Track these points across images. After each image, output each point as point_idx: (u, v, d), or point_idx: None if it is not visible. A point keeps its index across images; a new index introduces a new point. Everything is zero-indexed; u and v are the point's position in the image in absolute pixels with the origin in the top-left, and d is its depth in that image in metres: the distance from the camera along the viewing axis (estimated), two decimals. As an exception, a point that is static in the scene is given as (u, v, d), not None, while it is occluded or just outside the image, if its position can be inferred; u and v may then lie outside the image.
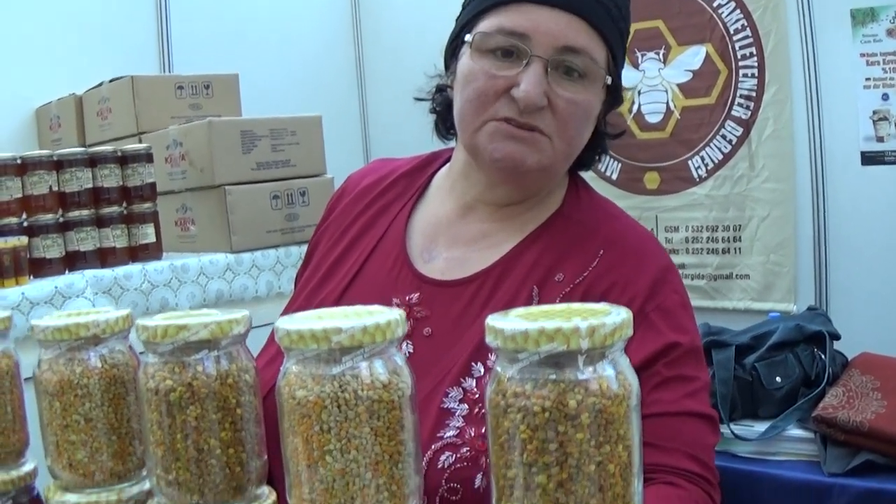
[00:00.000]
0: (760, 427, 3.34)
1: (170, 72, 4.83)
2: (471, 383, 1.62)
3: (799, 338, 3.52)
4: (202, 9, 5.11)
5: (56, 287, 3.10)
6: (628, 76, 4.63)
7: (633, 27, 4.29)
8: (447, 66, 1.86)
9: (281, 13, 5.53)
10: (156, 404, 0.95)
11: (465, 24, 1.77)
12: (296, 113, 3.97)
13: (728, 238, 4.57)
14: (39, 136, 4.51)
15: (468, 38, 1.73)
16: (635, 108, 4.74)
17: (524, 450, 0.76)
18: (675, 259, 4.37)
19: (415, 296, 1.75)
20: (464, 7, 1.81)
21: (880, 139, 4.19)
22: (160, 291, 3.37)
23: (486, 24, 1.70)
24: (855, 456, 3.12)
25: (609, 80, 1.73)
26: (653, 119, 4.71)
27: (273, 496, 1.00)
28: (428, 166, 1.97)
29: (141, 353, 1.04)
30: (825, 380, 3.42)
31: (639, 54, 4.72)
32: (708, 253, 4.61)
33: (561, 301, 1.66)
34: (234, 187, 3.60)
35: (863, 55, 4.20)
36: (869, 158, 4.22)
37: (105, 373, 1.05)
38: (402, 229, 1.85)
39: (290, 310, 1.88)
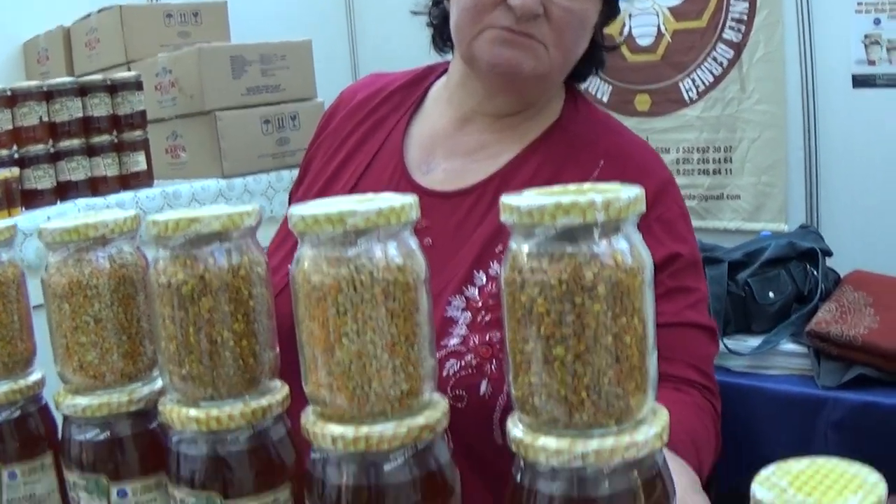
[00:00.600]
0: (754, 342, 3.36)
1: (157, 0, 4.80)
2: (473, 292, 1.62)
3: (791, 254, 3.53)
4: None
5: (49, 218, 3.08)
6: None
7: (624, -50, 4.33)
8: None
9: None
10: (168, 299, 0.94)
11: None
12: (284, 38, 3.95)
13: (719, 159, 4.57)
14: (27, 70, 4.50)
15: None
16: (626, 30, 4.72)
17: (541, 323, 0.76)
18: (668, 181, 4.40)
19: None
20: None
21: (871, 63, 4.18)
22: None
23: None
24: (848, 370, 3.14)
25: None
26: (644, 42, 4.70)
27: (286, 389, 1.01)
28: (424, 79, 1.96)
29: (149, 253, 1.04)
30: (818, 295, 3.43)
31: (629, -23, 4.70)
32: (699, 174, 4.61)
33: None
34: (224, 112, 3.60)
35: (854, -22, 4.19)
36: (860, 81, 4.22)
37: (114, 273, 1.05)
38: (399, 142, 1.84)
39: (284, 228, 1.88)
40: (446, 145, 1.81)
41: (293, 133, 3.78)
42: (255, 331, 0.97)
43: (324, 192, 1.84)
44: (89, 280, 1.04)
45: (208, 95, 3.57)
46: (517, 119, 1.80)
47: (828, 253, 3.62)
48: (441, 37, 1.89)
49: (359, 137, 1.89)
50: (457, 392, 1.53)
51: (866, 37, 4.14)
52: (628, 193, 0.78)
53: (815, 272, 3.49)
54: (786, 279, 3.46)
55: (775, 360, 3.33)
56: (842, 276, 3.69)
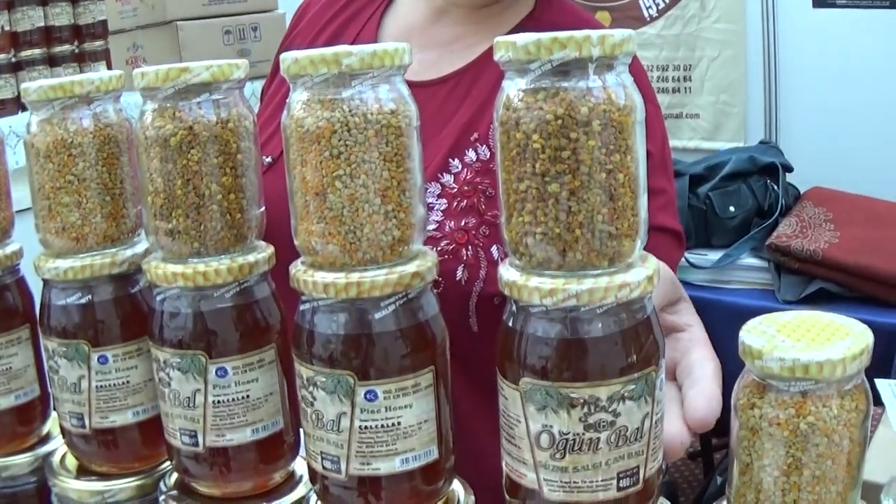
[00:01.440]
0: (714, 255, 3.40)
1: None
2: (448, 179, 1.63)
3: (752, 169, 3.55)
4: None
5: (10, 127, 3.07)
6: (579, -83, 4.64)
7: None
8: None
9: None
10: (156, 151, 0.94)
11: None
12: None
13: (678, 77, 4.59)
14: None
15: None
16: (586, -53, 4.73)
17: (537, 159, 0.77)
18: (626, 97, 4.41)
19: None
20: None
21: (832, -19, 4.20)
22: (114, 129, 3.35)
23: None
24: (808, 284, 3.18)
25: None
26: (604, -41, 4.71)
27: (271, 248, 1.01)
28: None
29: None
30: (778, 210, 3.46)
31: None
32: (658, 92, 4.60)
33: None
34: (185, 23, 3.57)
35: None
36: (820, 1, 4.23)
37: (98, 132, 1.04)
38: (373, 35, 1.83)
39: (259, 119, 1.88)
40: (421, 37, 1.81)
41: (254, 44, 3.76)
42: (243, 185, 0.97)
43: None
44: (73, 138, 1.04)
45: (169, 5, 3.54)
46: (491, 11, 1.79)
47: (788, 168, 3.65)
48: None
49: (332, 32, 1.88)
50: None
51: (826, -45, 4.16)
52: (622, 34, 0.78)
53: (776, 187, 3.52)
54: (746, 193, 3.49)
55: (736, 274, 3.37)
56: (802, 192, 3.72)
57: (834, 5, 4.21)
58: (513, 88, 0.80)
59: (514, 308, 0.83)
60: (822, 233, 3.27)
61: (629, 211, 0.80)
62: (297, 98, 0.87)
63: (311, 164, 0.85)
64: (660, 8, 4.57)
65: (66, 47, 3.38)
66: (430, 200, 1.61)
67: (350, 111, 0.83)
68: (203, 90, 0.94)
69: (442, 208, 1.60)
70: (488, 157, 1.61)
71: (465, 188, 1.61)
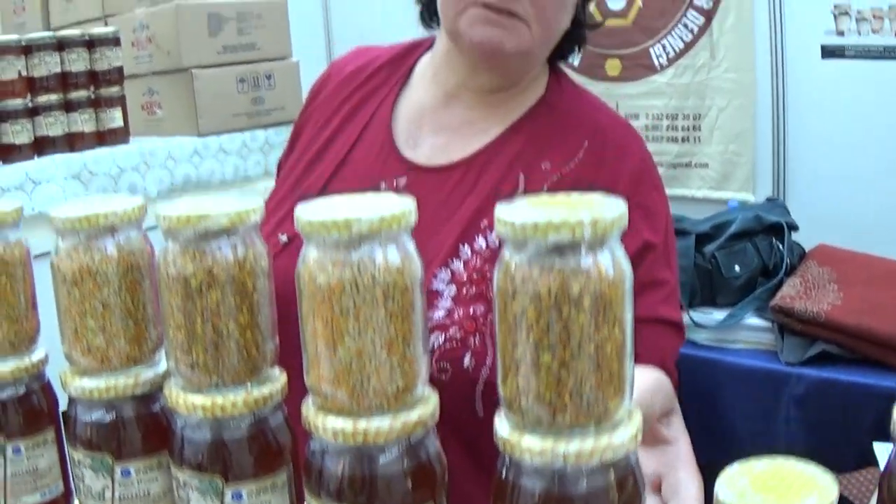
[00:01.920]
0: (719, 315, 3.44)
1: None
2: (458, 265, 1.68)
3: (758, 228, 3.59)
4: None
5: (27, 173, 3.12)
6: (591, -36, 4.68)
7: (598, -87, 4.34)
8: None
9: None
10: (177, 290, 0.99)
11: None
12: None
13: (688, 126, 4.62)
14: (2, 20, 4.50)
15: None
16: (597, -6, 4.76)
17: (531, 330, 0.82)
18: (635, 147, 4.44)
19: (402, 180, 1.79)
20: None
21: (840, 33, 4.22)
22: (129, 176, 3.40)
23: None
24: (811, 346, 3.22)
25: None
26: (615, 6, 4.73)
27: (284, 377, 1.06)
28: (410, 54, 2.00)
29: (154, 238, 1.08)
30: (783, 270, 3.50)
31: (601, -60, 4.73)
32: (668, 141, 4.66)
33: (549, 189, 1.72)
34: (200, 70, 3.62)
35: (825, -54, 4.23)
36: (829, 52, 4.26)
37: (122, 260, 1.09)
38: (387, 116, 1.88)
39: (275, 196, 1.92)
40: (433, 120, 1.86)
41: (268, 92, 3.81)
42: (258, 322, 1.02)
43: (315, 162, 1.89)
44: (98, 267, 1.08)
45: (185, 52, 3.59)
46: (502, 96, 1.84)
47: (793, 227, 3.68)
48: (428, 11, 1.93)
49: (348, 111, 1.93)
50: (441, 364, 1.59)
51: (836, 7, 4.19)
52: (613, 212, 0.83)
53: (781, 246, 3.55)
54: (752, 253, 3.52)
55: (740, 334, 3.41)
56: (807, 249, 3.75)
57: (843, 56, 4.25)
58: (511, 260, 0.85)
59: (507, 461, 0.89)
60: (825, 293, 3.30)
61: (615, 377, 0.85)
62: (310, 254, 0.92)
63: (321, 317, 0.90)
64: (670, 57, 4.61)
65: (83, 93, 3.42)
66: (439, 287, 1.66)
67: (359, 271, 0.89)
68: (222, 233, 0.99)
69: (451, 295, 1.65)
70: (497, 244, 1.66)
71: (475, 275, 1.66)
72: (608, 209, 0.84)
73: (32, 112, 3.31)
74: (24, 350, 1.24)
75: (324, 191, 1.83)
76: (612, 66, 4.77)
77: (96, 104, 3.47)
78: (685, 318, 3.36)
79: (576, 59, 4.76)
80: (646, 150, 1.84)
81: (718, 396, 3.31)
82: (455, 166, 1.78)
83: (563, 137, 1.78)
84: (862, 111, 4.21)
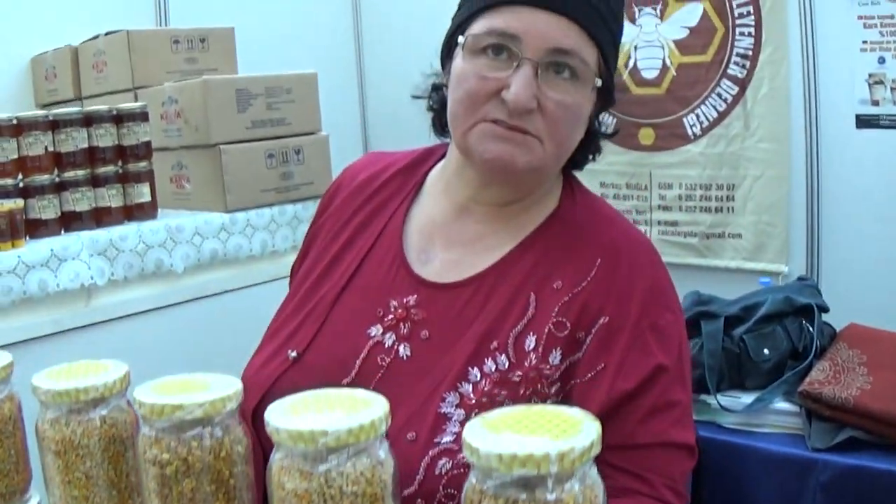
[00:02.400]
0: (747, 399, 3.39)
1: (166, 25, 4.82)
2: (467, 388, 1.66)
3: (788, 310, 3.54)
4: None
5: (52, 250, 3.12)
6: (625, 31, 4.67)
7: (632, -20, 4.33)
8: (443, 66, 1.88)
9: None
10: (153, 474, 0.98)
11: (459, 25, 1.78)
12: (291, 67, 3.97)
13: (721, 197, 4.59)
14: (35, 86, 4.51)
15: (461, 39, 1.75)
16: (631, 63, 4.74)
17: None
18: (669, 216, 4.45)
19: (412, 298, 1.78)
20: (459, 8, 1.83)
21: (875, 103, 4.20)
22: (155, 252, 3.39)
23: (478, 26, 1.72)
24: (839, 432, 3.16)
25: (599, 82, 1.75)
26: (649, 75, 4.72)
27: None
28: (423, 163, 1.99)
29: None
30: (812, 352, 3.44)
31: (636, 9, 4.71)
32: (701, 211, 4.63)
33: (559, 310, 1.70)
34: (228, 146, 3.61)
35: (860, 17, 4.20)
36: (864, 122, 4.23)
37: (105, 433, 1.08)
38: (398, 229, 1.87)
39: (287, 306, 1.92)
40: (444, 234, 1.85)
41: (297, 167, 3.80)
42: (236, 508, 1.00)
43: (326, 275, 1.88)
44: (81, 440, 1.07)
45: (213, 128, 3.58)
46: (514, 209, 1.83)
47: (824, 309, 3.63)
48: (440, 122, 1.92)
49: (360, 221, 1.92)
50: (448, 490, 1.56)
51: (870, 76, 4.16)
52: (583, 441, 0.81)
53: (811, 328, 3.51)
54: (781, 335, 3.48)
55: (767, 418, 3.35)
56: (839, 326, 3.70)
57: (878, 126, 4.21)
58: (477, 486, 0.83)
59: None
60: (854, 377, 3.25)
61: None
62: (278, 460, 0.90)
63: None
64: (703, 126, 4.59)
65: (110, 168, 3.41)
66: (448, 410, 1.64)
67: (326, 482, 0.87)
68: (197, 423, 0.98)
69: (460, 419, 1.64)
70: (507, 366, 1.65)
71: (483, 399, 1.64)
72: (580, 437, 0.81)
73: (59, 187, 3.31)
74: (16, 501, 1.23)
75: (335, 304, 1.82)
76: (646, 135, 4.75)
77: (124, 179, 3.46)
78: (712, 402, 3.33)
79: (609, 128, 4.75)
80: (660, 265, 1.82)
81: (744, 481, 3.27)
82: (466, 283, 1.77)
83: (576, 254, 1.76)
84: (897, 182, 4.18)
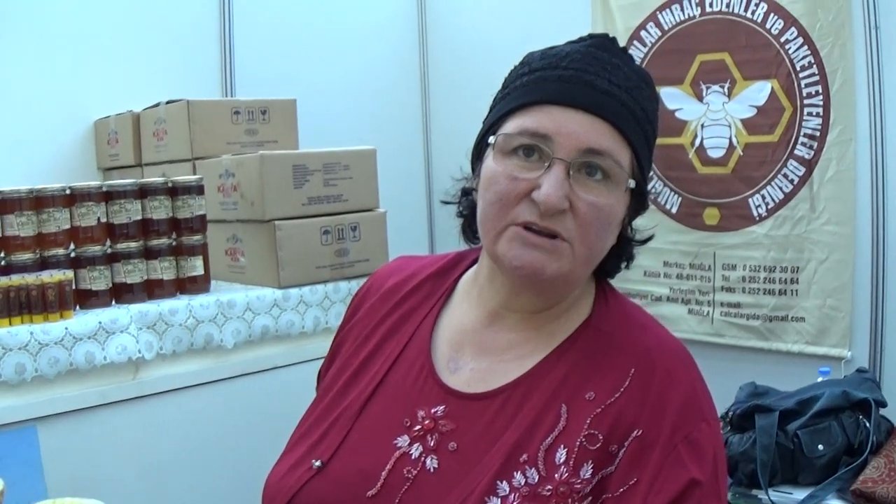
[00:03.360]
0: (799, 495, 3.34)
1: (231, 95, 4.84)
2: (496, 503, 1.62)
3: (845, 404, 3.50)
4: (266, 34, 5.16)
5: (100, 322, 3.11)
6: (692, 109, 4.64)
7: (700, 58, 4.35)
8: (473, 169, 1.85)
9: (348, 43, 5.58)
10: None
11: (490, 126, 1.76)
12: (355, 142, 3.97)
13: (785, 279, 4.53)
14: (97, 149, 4.54)
15: (492, 140, 1.72)
16: (698, 141, 4.71)
17: None
18: (732, 298, 4.39)
19: (440, 409, 1.74)
20: (490, 109, 1.81)
21: (944, 186, 4.14)
22: (205, 327, 3.38)
23: (509, 126, 1.70)
24: (893, 532, 3.10)
25: (633, 183, 1.72)
26: (715, 154, 4.68)
27: None
28: (454, 268, 1.96)
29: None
30: (868, 449, 3.39)
31: (703, 87, 4.68)
32: (764, 294, 4.57)
33: (592, 422, 1.65)
34: (284, 222, 3.60)
35: (930, 98, 4.15)
36: (933, 204, 4.18)
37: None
38: (427, 336, 1.84)
39: (313, 412, 1.89)
40: (474, 342, 1.81)
41: (353, 244, 3.78)
42: None
43: (353, 382, 1.86)
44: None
45: (269, 205, 3.57)
46: (546, 317, 1.79)
47: (882, 404, 3.59)
48: (471, 228, 1.89)
49: (389, 327, 1.90)
50: None
51: (939, 158, 4.10)
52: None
53: (868, 424, 3.45)
54: (836, 431, 3.43)
55: (820, 515, 3.29)
56: (896, 423, 3.65)
57: (948, 209, 4.15)
58: None
59: None
60: (909, 475, 3.21)
61: None
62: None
63: None
64: (769, 207, 4.53)
65: (163, 240, 3.40)
66: (475, 526, 1.60)
67: None
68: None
69: None
70: (536, 480, 1.62)
71: None
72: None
73: (111, 258, 3.31)
74: None
75: (361, 413, 1.79)
76: (711, 215, 4.71)
77: (177, 252, 3.46)
78: (764, 498, 3.27)
79: (674, 207, 4.73)
80: (696, 374, 1.77)
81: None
82: (496, 393, 1.73)
83: (609, 363, 1.72)
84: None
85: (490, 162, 1.72)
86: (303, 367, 3.53)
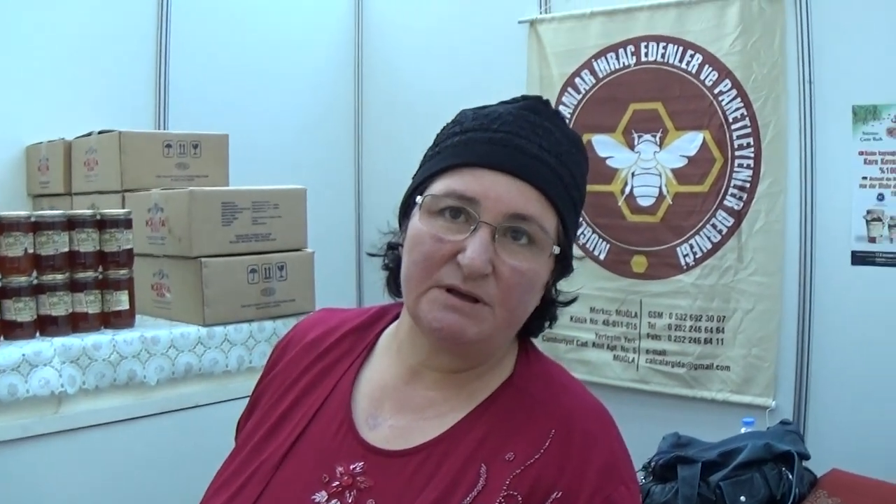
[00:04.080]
0: (721, 547, 3.33)
1: (165, 128, 4.82)
2: None
3: (767, 456, 3.52)
4: (203, 69, 5.20)
5: (24, 354, 3.07)
6: (623, 157, 4.68)
7: (633, 107, 4.38)
8: (400, 224, 1.84)
9: (284, 82, 5.64)
10: None
11: (419, 185, 1.75)
12: (286, 181, 3.95)
13: (711, 328, 4.56)
14: (28, 175, 4.51)
15: (419, 199, 1.71)
16: (628, 189, 4.74)
17: None
18: (657, 345, 4.41)
19: (359, 465, 1.72)
20: (420, 165, 1.80)
21: (872, 240, 4.18)
22: (128, 363, 3.34)
23: (437, 187, 1.69)
24: (814, 583, 3.12)
25: (557, 249, 1.71)
26: (644, 202, 4.71)
27: None
28: (376, 323, 1.95)
29: None
30: (791, 501, 3.41)
31: (635, 135, 4.72)
32: (690, 342, 4.61)
33: (511, 483, 1.64)
34: (211, 260, 3.57)
35: (861, 153, 4.20)
36: (860, 258, 4.22)
37: None
38: (347, 391, 1.82)
39: (231, 463, 1.86)
40: (394, 399, 1.80)
41: (279, 284, 3.75)
42: None
43: (272, 435, 1.83)
44: None
45: (196, 241, 3.54)
46: (467, 376, 1.78)
47: (805, 456, 3.60)
48: (395, 281, 1.88)
49: (309, 380, 1.88)
50: None
51: (868, 212, 4.16)
52: None
53: (791, 475, 3.46)
54: (759, 482, 3.45)
55: (742, 568, 3.30)
56: (824, 468, 3.69)
57: (874, 263, 4.19)
58: None
59: None
60: (832, 527, 3.23)
61: None
62: None
63: None
64: (697, 256, 4.58)
65: (90, 273, 3.36)
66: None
67: None
68: None
69: None
70: None
71: None
72: None
73: (37, 290, 3.26)
74: None
75: (279, 467, 1.77)
76: (638, 263, 4.75)
77: (103, 285, 3.42)
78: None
79: (602, 253, 4.76)
80: (616, 436, 1.76)
81: None
82: (415, 451, 1.72)
83: (530, 424, 1.71)
84: (891, 319, 4.15)
85: (416, 221, 1.71)
86: (226, 406, 3.49)
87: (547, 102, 1.76)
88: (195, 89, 5.05)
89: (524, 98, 1.77)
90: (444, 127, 1.80)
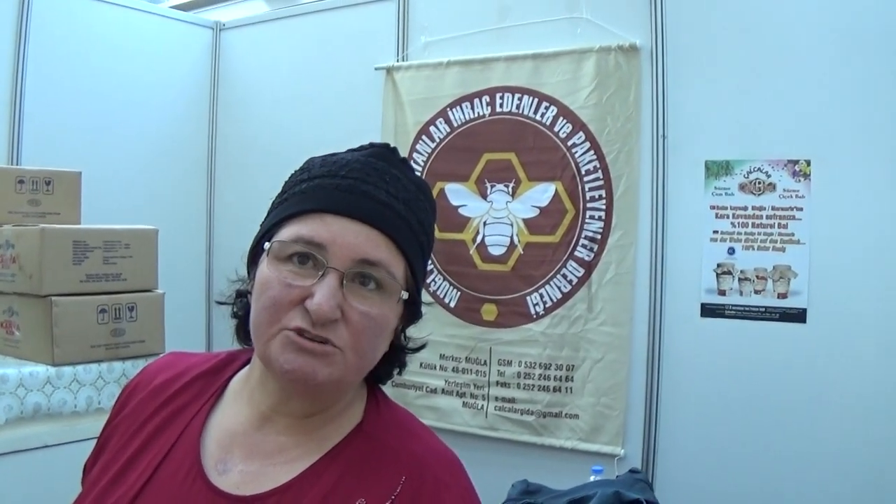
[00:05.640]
0: None
1: (18, 163, 4.76)
2: None
3: (616, 505, 3.54)
4: (58, 106, 5.14)
5: None
6: (476, 206, 4.71)
7: (486, 157, 4.40)
8: (248, 272, 1.83)
9: (139, 121, 5.60)
10: None
11: (267, 231, 1.75)
12: (138, 221, 3.92)
13: (560, 377, 4.59)
14: None
15: (267, 245, 1.71)
16: (479, 238, 4.76)
17: None
18: (507, 393, 4.44)
19: None
20: (268, 213, 1.80)
21: (722, 293, 4.25)
22: (-25, 402, 3.29)
23: (285, 233, 1.68)
24: None
25: (406, 295, 1.72)
26: (496, 251, 4.74)
27: None
28: (226, 368, 1.93)
29: None
30: (639, 549, 3.44)
31: (488, 185, 4.74)
32: (539, 390, 4.63)
33: None
34: (61, 298, 3.53)
35: (713, 207, 4.27)
36: (709, 311, 4.28)
37: None
38: (196, 435, 1.80)
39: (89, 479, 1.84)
40: (244, 445, 1.78)
41: (129, 324, 3.72)
42: None
43: (119, 479, 1.79)
44: None
45: (46, 279, 3.50)
46: (317, 421, 1.77)
47: (654, 505, 3.64)
48: (244, 329, 1.86)
49: (157, 424, 1.84)
50: None
51: (719, 266, 4.22)
52: None
53: (640, 524, 3.50)
54: (609, 530, 3.47)
55: None
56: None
57: (723, 315, 4.25)
58: None
59: None
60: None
61: None
62: None
63: None
64: (547, 306, 4.61)
65: (-63, 310, 3.34)
66: None
67: None
68: None
69: None
70: None
71: None
72: None
73: None
74: None
75: None
76: (488, 311, 4.77)
77: (-51, 321, 3.37)
78: None
79: (453, 301, 4.78)
80: (466, 482, 1.77)
81: None
82: (265, 497, 1.69)
83: (381, 471, 1.71)
84: (739, 370, 4.23)
85: (265, 267, 1.70)
86: (74, 447, 3.45)
87: (394, 150, 1.78)
88: (50, 125, 5.00)
89: (372, 146, 1.78)
90: (292, 174, 1.80)
